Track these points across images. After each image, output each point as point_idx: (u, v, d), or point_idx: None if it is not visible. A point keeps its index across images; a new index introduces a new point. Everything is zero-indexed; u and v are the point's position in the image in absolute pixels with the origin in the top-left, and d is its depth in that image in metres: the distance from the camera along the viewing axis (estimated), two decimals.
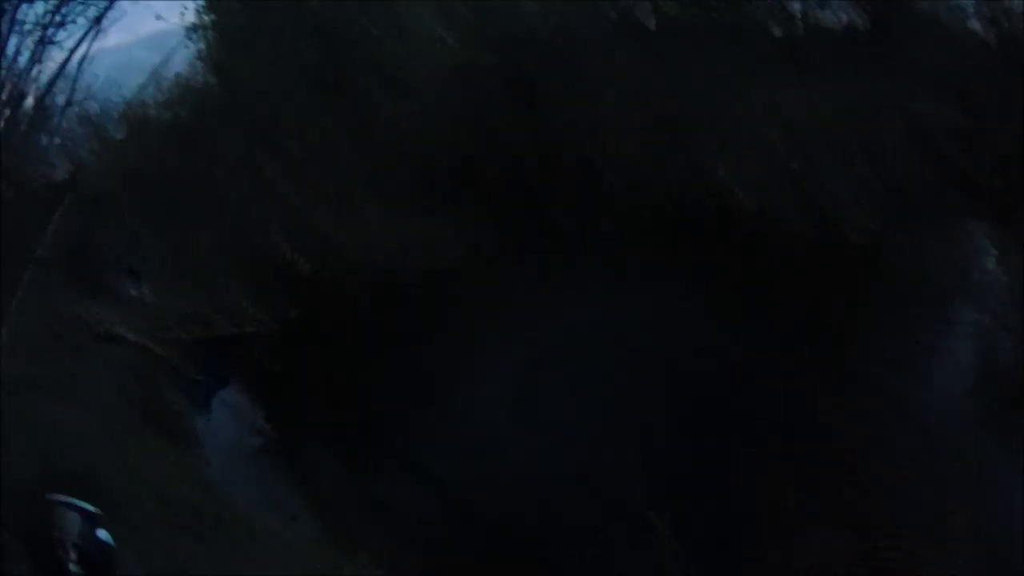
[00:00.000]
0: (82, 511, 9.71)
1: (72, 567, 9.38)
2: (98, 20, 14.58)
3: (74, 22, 13.95)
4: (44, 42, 13.23)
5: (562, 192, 19.51)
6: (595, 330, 16.44)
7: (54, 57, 14.10)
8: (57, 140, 15.75)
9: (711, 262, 17.13)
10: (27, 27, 12.93)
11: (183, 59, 20.62)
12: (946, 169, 18.06)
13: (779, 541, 11.16)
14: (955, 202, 18.15)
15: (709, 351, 15.26)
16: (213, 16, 21.74)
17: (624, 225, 18.52)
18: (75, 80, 14.54)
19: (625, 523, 11.18)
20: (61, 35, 14.03)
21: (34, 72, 13.27)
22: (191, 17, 21.38)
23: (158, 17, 20.66)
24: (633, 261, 17.79)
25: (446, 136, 19.22)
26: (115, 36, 16.43)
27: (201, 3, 21.53)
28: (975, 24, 21.04)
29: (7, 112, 12.76)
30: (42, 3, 13.73)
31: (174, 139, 18.39)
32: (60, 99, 14.34)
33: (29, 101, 13.21)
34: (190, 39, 21.46)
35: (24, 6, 13.42)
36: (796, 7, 22.86)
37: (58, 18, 13.49)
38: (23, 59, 13.06)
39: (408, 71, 20.24)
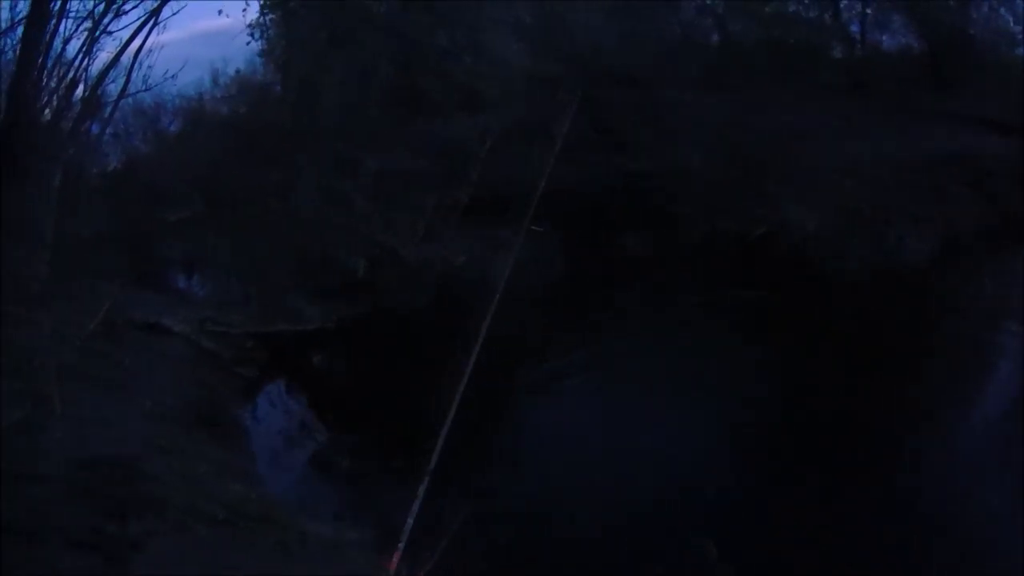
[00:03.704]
0: None
1: None
2: (156, 12, 14.41)
3: (128, 13, 13.81)
4: (98, 31, 13.15)
5: (629, 211, 19.42)
6: (654, 352, 16.33)
7: (108, 48, 13.98)
8: (110, 131, 15.66)
9: (770, 284, 17.09)
10: (81, 15, 12.80)
11: (243, 56, 20.59)
12: (998, 203, 17.93)
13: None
14: (1005, 235, 18.00)
15: (767, 377, 15.11)
16: (277, 14, 21.77)
17: (689, 243, 18.39)
18: (130, 71, 14.45)
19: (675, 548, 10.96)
20: (116, 25, 13.89)
21: (87, 62, 13.17)
22: (254, 14, 21.42)
23: (221, 12, 20.70)
24: (695, 280, 17.70)
25: (514, 152, 19.05)
26: (173, 31, 16.28)
27: (265, 1, 21.60)
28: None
29: (57, 100, 12.69)
30: None
31: (231, 134, 18.37)
32: (114, 90, 14.25)
33: (80, 90, 13.12)
34: (252, 36, 21.47)
35: None
36: (855, 30, 22.83)
37: (114, 7, 13.34)
38: (74, 46, 12.95)
39: (480, 83, 20.16)
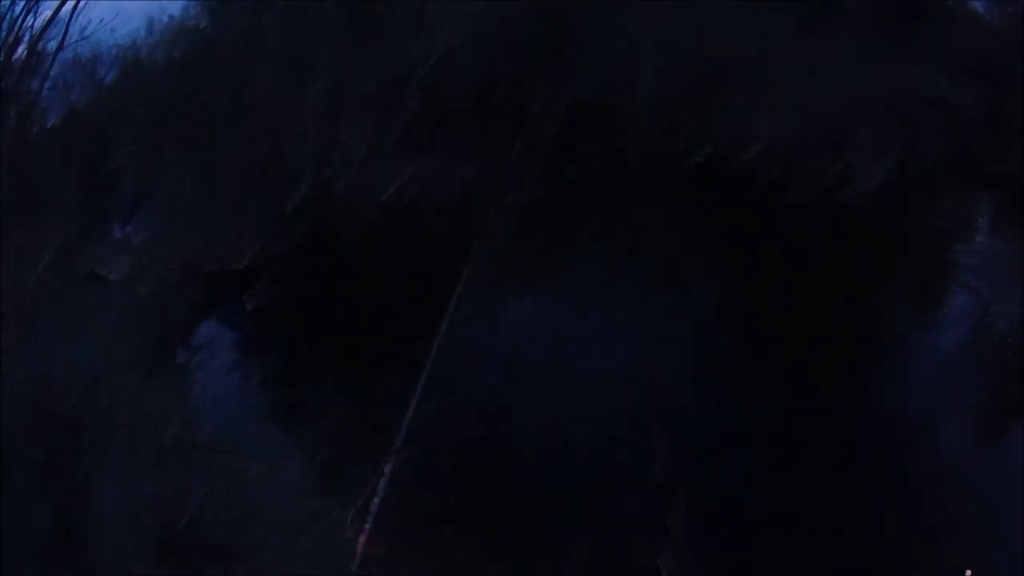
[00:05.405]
0: None
1: None
2: None
3: None
4: None
5: (586, 132, 19.86)
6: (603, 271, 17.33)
7: (48, 4, 14.25)
8: (49, 85, 15.96)
9: (728, 208, 17.99)
10: None
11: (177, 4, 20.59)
12: (959, 141, 18.76)
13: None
14: (963, 169, 18.89)
15: (719, 298, 16.24)
16: None
17: (646, 166, 18.93)
18: (68, 25, 14.77)
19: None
20: None
21: (28, 19, 13.48)
22: None
23: None
24: (653, 205, 18.44)
25: (471, 75, 19.30)
26: None
27: None
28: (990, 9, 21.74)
29: (1, 59, 13.03)
30: None
31: (166, 79, 18.50)
32: (53, 44, 14.58)
33: (22, 48, 13.44)
34: None
35: None
36: None
37: None
38: (18, 7, 13.25)
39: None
